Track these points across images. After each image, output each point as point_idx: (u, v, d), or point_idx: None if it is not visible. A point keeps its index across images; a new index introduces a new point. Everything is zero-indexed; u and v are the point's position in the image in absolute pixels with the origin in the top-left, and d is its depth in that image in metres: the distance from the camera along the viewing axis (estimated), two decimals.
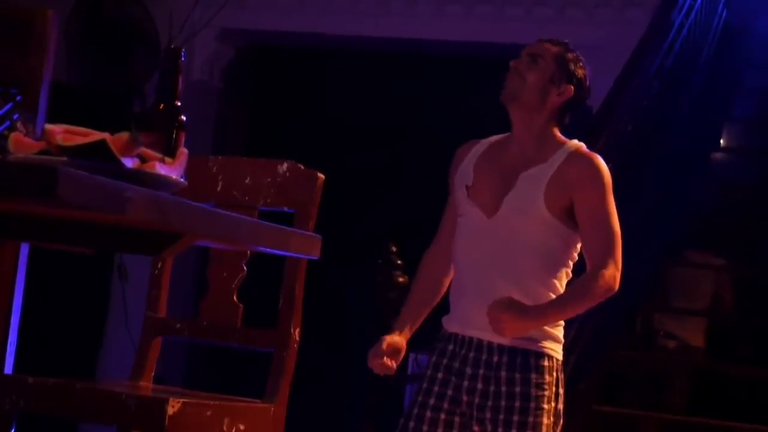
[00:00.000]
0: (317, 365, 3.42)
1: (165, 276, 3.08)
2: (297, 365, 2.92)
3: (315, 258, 2.39)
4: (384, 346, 3.26)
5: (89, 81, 7.19)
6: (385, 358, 3.26)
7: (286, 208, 2.99)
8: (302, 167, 2.99)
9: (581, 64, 3.48)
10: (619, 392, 5.73)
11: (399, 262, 4.89)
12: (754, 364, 5.62)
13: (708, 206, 6.65)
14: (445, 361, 3.26)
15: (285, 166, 3.00)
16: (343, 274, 7.18)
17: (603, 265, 3.24)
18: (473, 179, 3.31)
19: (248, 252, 2.95)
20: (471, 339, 3.24)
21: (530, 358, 3.21)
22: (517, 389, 3.18)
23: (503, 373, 3.19)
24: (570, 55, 3.48)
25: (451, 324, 3.30)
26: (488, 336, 3.20)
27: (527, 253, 3.22)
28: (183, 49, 2.25)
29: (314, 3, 7.92)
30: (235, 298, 2.99)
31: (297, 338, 2.91)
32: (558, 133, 3.34)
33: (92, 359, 7.62)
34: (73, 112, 2.62)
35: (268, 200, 2.99)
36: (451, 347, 3.27)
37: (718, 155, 7.22)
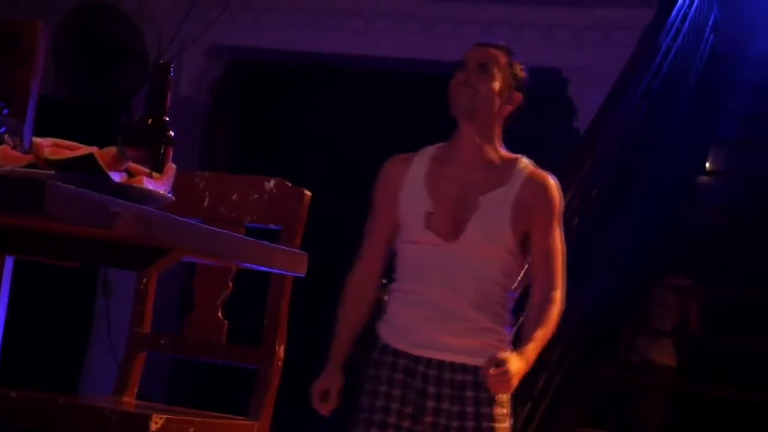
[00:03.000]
0: (302, 383, 3.40)
1: (150, 291, 3.07)
2: (281, 382, 2.91)
3: (301, 275, 2.39)
4: (317, 395, 3.33)
5: (77, 95, 7.18)
6: (323, 403, 3.33)
7: (272, 225, 2.99)
8: (289, 184, 2.99)
9: (523, 68, 3.47)
10: (602, 414, 5.73)
11: (384, 281, 4.88)
12: (734, 385, 5.62)
13: (693, 228, 6.67)
14: (398, 376, 3.24)
15: (272, 182, 3.00)
16: (328, 290, 7.16)
17: (554, 287, 3.28)
18: (432, 205, 3.26)
19: (234, 268, 2.94)
20: (430, 359, 3.23)
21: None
22: (484, 410, 3.19)
23: (468, 393, 3.19)
24: (515, 60, 3.47)
25: (402, 343, 3.26)
26: (451, 356, 3.21)
27: (491, 276, 3.24)
28: (172, 65, 2.25)
29: (302, 21, 7.93)
30: (220, 314, 2.98)
31: (281, 355, 2.90)
32: (503, 147, 3.36)
33: (75, 374, 7.59)
34: (61, 126, 2.62)
35: (255, 216, 2.99)
36: (402, 362, 3.24)
37: (703, 178, 7.24)
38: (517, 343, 3.28)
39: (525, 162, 3.32)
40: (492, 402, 3.20)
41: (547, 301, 3.26)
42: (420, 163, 3.32)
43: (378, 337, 3.34)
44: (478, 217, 3.21)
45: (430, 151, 3.36)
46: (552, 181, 3.31)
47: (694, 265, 6.31)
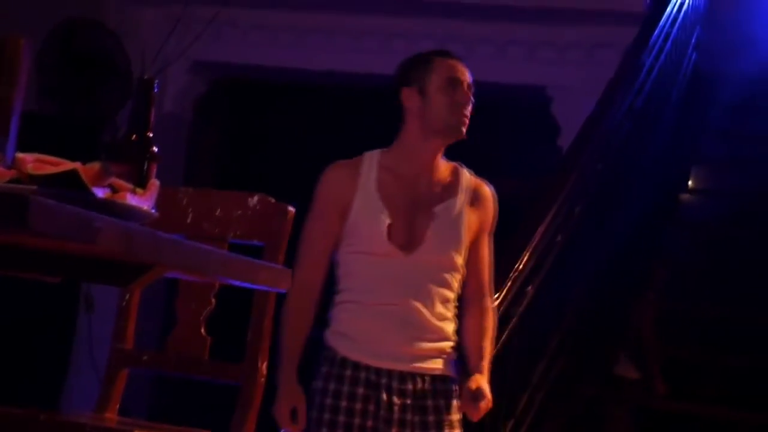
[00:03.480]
0: None
1: (132, 307, 3.06)
2: (264, 399, 2.91)
3: (284, 291, 2.39)
4: (285, 416, 3.27)
5: (61, 110, 7.17)
6: (294, 424, 3.28)
7: (256, 241, 2.99)
8: (273, 200, 2.99)
9: None
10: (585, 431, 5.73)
11: None
12: (717, 403, 5.63)
13: (675, 246, 6.68)
14: (360, 390, 3.23)
15: (255, 198, 3.00)
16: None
17: (490, 294, 3.42)
18: (389, 216, 3.26)
19: (217, 284, 2.94)
20: (391, 370, 3.24)
21: (449, 384, 3.30)
22: (443, 417, 3.25)
23: (429, 402, 3.24)
24: None
25: (363, 356, 3.25)
26: (414, 366, 3.24)
27: (448, 285, 3.31)
28: (156, 81, 2.25)
29: (287, 38, 7.94)
30: (203, 330, 2.97)
31: (264, 372, 2.90)
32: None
33: (57, 390, 7.56)
34: (44, 142, 2.61)
35: (238, 233, 2.99)
36: (363, 375, 3.23)
37: (686, 196, 7.26)
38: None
39: (466, 171, 3.40)
40: (450, 408, 3.27)
41: (486, 310, 3.39)
42: (369, 170, 3.30)
43: (330, 350, 3.31)
44: (435, 227, 3.26)
45: (375, 157, 3.33)
46: (492, 191, 3.42)
47: (674, 282, 6.32)
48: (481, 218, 3.36)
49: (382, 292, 3.24)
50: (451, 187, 3.32)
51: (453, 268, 3.30)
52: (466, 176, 3.37)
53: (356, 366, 3.24)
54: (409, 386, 3.23)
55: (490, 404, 3.26)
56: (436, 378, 3.26)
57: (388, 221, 3.23)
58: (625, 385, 5.83)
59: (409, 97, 3.30)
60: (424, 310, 3.25)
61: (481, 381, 3.25)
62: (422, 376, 3.25)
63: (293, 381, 3.28)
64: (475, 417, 3.29)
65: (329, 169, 3.34)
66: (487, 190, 3.39)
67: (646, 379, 5.75)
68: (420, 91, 3.30)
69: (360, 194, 3.26)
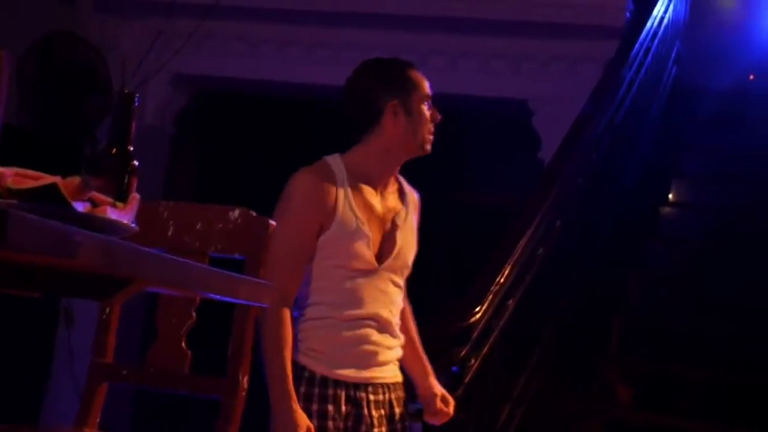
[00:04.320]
0: (266, 413, 3.38)
1: (113, 321, 3.05)
2: (245, 413, 2.90)
3: (265, 306, 2.38)
4: None
5: (42, 123, 7.15)
6: None
7: (237, 255, 2.98)
8: (254, 214, 2.99)
9: None
10: None
11: None
12: (695, 417, 5.64)
13: (655, 260, 6.70)
14: (345, 408, 3.22)
15: (236, 212, 2.99)
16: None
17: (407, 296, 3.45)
18: (367, 228, 3.24)
19: (198, 298, 2.93)
20: (367, 384, 3.23)
21: (403, 390, 3.36)
22: (405, 424, 3.32)
23: (396, 410, 3.26)
24: None
25: (343, 372, 3.22)
26: (386, 377, 3.27)
27: (402, 291, 3.36)
28: (137, 94, 2.24)
29: (268, 51, 7.94)
30: (183, 344, 2.96)
31: (245, 386, 2.89)
32: None
33: (37, 404, 7.52)
34: (24, 155, 2.60)
35: (219, 246, 2.98)
36: (344, 392, 3.21)
37: (666, 210, 7.28)
38: None
39: (402, 179, 3.41)
40: (406, 415, 3.32)
41: (410, 311, 3.46)
42: (344, 180, 3.23)
43: (305, 369, 3.25)
44: (400, 237, 3.26)
45: (341, 165, 3.26)
46: (419, 196, 3.46)
47: (652, 295, 6.34)
48: (416, 223, 3.41)
49: (360, 305, 3.22)
50: (400, 197, 3.34)
51: (406, 273, 3.36)
52: (406, 185, 3.40)
53: (336, 383, 3.21)
54: (381, 397, 3.24)
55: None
56: (397, 385, 3.30)
57: (369, 234, 3.22)
58: (600, 398, 5.84)
59: (392, 113, 3.24)
60: (392, 319, 3.28)
61: (439, 386, 3.35)
62: (389, 385, 3.27)
63: (293, 398, 3.15)
64: (441, 422, 3.34)
65: (308, 176, 3.23)
66: (417, 196, 3.43)
67: (608, 389, 5.76)
68: (403, 107, 3.25)
69: (341, 205, 3.21)
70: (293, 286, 3.21)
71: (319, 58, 7.83)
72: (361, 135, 3.26)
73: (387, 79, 3.25)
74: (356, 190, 3.22)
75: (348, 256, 3.21)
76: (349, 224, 3.20)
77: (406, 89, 3.25)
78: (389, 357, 3.27)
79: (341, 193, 3.20)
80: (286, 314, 3.17)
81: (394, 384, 3.29)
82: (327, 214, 3.19)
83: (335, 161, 3.26)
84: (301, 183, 3.23)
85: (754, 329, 5.94)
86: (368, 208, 3.22)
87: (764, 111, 7.90)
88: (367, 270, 3.21)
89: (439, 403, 3.34)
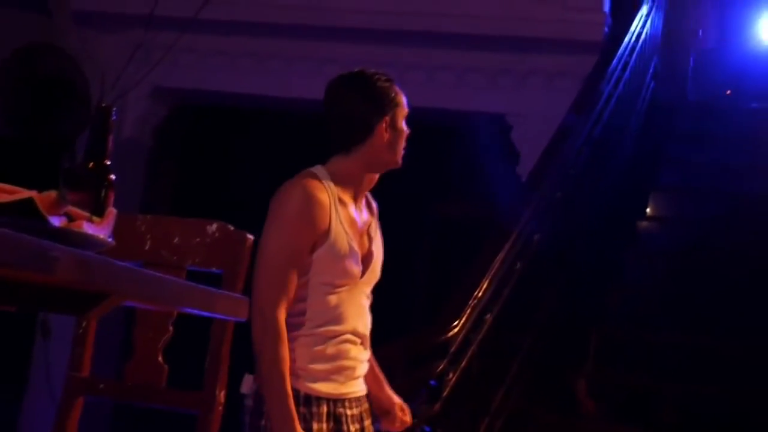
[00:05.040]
0: (242, 428, 3.36)
1: (89, 335, 3.04)
2: (221, 428, 2.89)
3: (242, 320, 2.38)
4: None
5: (19, 135, 7.13)
6: None
7: (214, 269, 2.97)
8: (231, 228, 2.98)
9: None
10: None
11: None
12: (673, 431, 5.66)
13: (632, 273, 6.72)
14: (328, 425, 3.20)
15: (214, 226, 2.99)
16: None
17: None
18: (355, 242, 3.22)
19: (175, 312, 2.92)
20: (350, 398, 3.23)
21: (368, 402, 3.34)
22: None
23: (366, 422, 3.27)
24: None
25: (326, 387, 3.17)
26: (361, 390, 3.28)
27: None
28: (114, 108, 2.24)
29: (247, 64, 7.95)
30: (160, 358, 2.96)
31: (222, 400, 2.88)
32: None
33: (14, 417, 7.49)
34: (2, 167, 2.60)
35: (197, 260, 2.97)
36: (326, 408, 3.17)
37: (644, 223, 7.30)
38: None
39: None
40: (371, 426, 3.30)
41: None
42: (333, 196, 3.18)
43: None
44: (375, 249, 3.27)
45: (327, 179, 3.19)
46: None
47: (631, 308, 6.35)
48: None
49: (341, 321, 3.20)
50: (368, 208, 3.33)
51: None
52: (368, 194, 3.40)
53: (318, 400, 3.17)
54: (355, 411, 3.24)
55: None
56: (365, 398, 3.30)
57: (358, 252, 3.21)
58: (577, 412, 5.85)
59: (383, 129, 3.22)
60: (367, 332, 3.28)
61: (395, 395, 3.38)
62: (360, 398, 3.27)
63: (297, 422, 3.04)
64: (400, 430, 3.36)
65: (303, 191, 3.13)
66: (376, 205, 3.42)
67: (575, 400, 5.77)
68: (391, 123, 3.25)
69: (334, 224, 3.16)
70: (288, 300, 3.10)
71: (298, 71, 7.84)
72: (347, 148, 3.22)
73: (378, 96, 3.22)
74: (342, 204, 3.20)
75: (338, 275, 3.17)
76: (341, 243, 3.15)
77: (392, 106, 3.24)
78: (363, 371, 3.27)
79: (333, 210, 3.16)
80: (283, 329, 3.07)
81: (364, 396, 3.29)
82: (321, 233, 3.12)
83: (323, 175, 3.20)
84: (297, 197, 3.13)
85: (732, 342, 5.96)
86: (353, 222, 3.22)
87: (741, 125, 7.94)
88: (349, 285, 3.20)
89: (398, 412, 3.36)
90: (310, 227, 3.10)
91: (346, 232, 3.17)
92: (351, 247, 3.17)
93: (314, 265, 3.13)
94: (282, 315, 3.06)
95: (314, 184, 3.14)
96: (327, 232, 3.13)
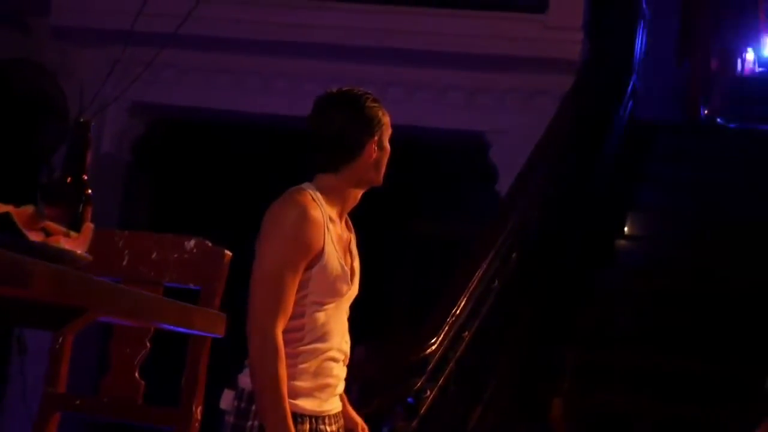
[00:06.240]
0: None
1: (66, 350, 3.03)
2: None
3: (219, 336, 2.38)
4: None
5: None
6: None
7: (192, 285, 2.97)
8: (209, 244, 2.98)
9: None
10: None
11: None
12: None
13: (610, 291, 6.73)
14: None
15: (192, 242, 2.98)
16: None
17: None
18: (344, 260, 3.23)
19: (152, 328, 2.92)
20: (329, 415, 3.23)
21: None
22: None
23: None
24: None
25: (309, 404, 3.16)
26: (338, 406, 3.28)
27: None
28: (92, 123, 2.24)
29: (226, 80, 7.95)
30: (137, 374, 2.95)
31: (198, 417, 2.87)
32: None
33: None
34: None
35: (175, 276, 2.97)
36: (306, 426, 3.14)
37: (621, 242, 7.32)
38: None
39: None
40: None
41: None
42: (325, 216, 3.17)
43: None
44: (357, 266, 3.27)
45: (316, 194, 3.19)
46: None
47: (607, 327, 6.36)
48: None
49: (327, 338, 3.19)
50: (347, 223, 3.34)
51: None
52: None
53: (302, 417, 3.16)
54: (333, 427, 3.24)
55: None
56: (340, 414, 3.30)
57: (348, 271, 3.22)
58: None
59: (372, 149, 3.23)
60: (348, 349, 3.28)
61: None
62: (337, 414, 3.27)
63: None
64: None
65: (300, 211, 3.11)
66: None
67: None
68: (379, 143, 3.26)
69: (327, 245, 3.15)
70: (285, 318, 3.08)
71: (277, 88, 7.84)
72: (336, 166, 3.22)
73: (368, 116, 3.23)
74: (332, 222, 3.21)
75: (328, 293, 3.18)
76: (333, 264, 3.16)
77: (380, 126, 3.26)
78: (342, 388, 3.28)
79: (326, 229, 3.15)
80: (282, 347, 3.05)
81: (340, 413, 3.30)
82: (316, 253, 3.12)
83: (315, 192, 3.19)
84: (293, 215, 3.11)
85: (709, 360, 5.98)
86: (340, 240, 3.23)
87: (718, 144, 7.99)
88: (336, 303, 3.21)
89: (360, 431, 3.38)
90: (307, 245, 3.09)
91: (337, 252, 3.18)
92: (342, 267, 3.18)
93: (306, 284, 3.13)
94: (280, 333, 3.05)
95: (309, 202, 3.13)
96: (321, 251, 3.13)
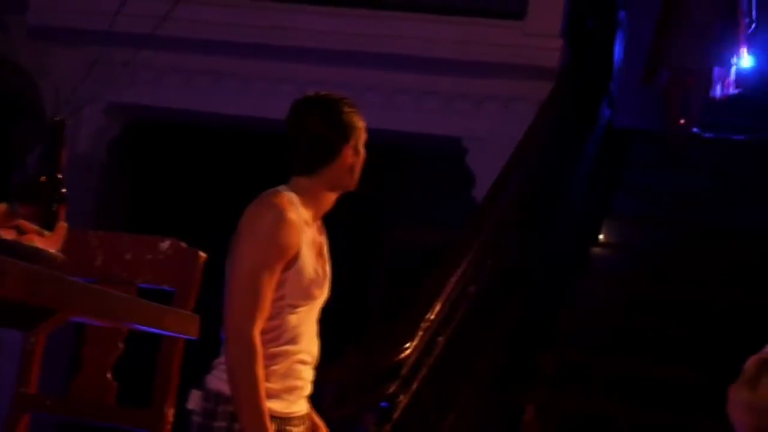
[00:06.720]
0: None
1: (38, 350, 3.01)
2: None
3: (192, 338, 2.37)
4: None
5: None
6: None
7: (166, 286, 2.96)
8: (184, 245, 2.97)
9: None
10: None
11: None
12: None
13: (585, 298, 6.74)
14: None
15: (166, 243, 2.97)
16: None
17: None
18: (319, 263, 3.25)
19: (125, 329, 2.90)
20: (296, 417, 3.23)
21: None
22: None
23: None
24: None
25: (278, 405, 3.17)
26: (305, 409, 3.28)
27: None
28: (67, 122, 2.23)
29: (203, 82, 7.93)
30: (109, 375, 2.93)
31: (170, 419, 2.86)
32: None
33: None
34: None
35: (148, 277, 2.96)
36: (275, 427, 3.13)
37: (597, 249, 7.34)
38: None
39: None
40: None
41: None
42: (299, 214, 3.19)
43: None
44: (329, 270, 3.28)
45: (292, 197, 3.20)
46: None
47: (583, 334, 6.38)
48: None
49: (298, 341, 3.21)
50: (320, 227, 3.34)
51: None
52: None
53: (271, 418, 3.16)
54: (301, 428, 3.24)
55: None
56: (307, 416, 3.30)
57: (322, 274, 3.24)
58: None
59: (347, 153, 3.25)
60: (317, 353, 3.29)
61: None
62: (304, 416, 3.27)
63: None
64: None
65: (280, 213, 3.12)
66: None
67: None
68: (354, 148, 3.28)
69: (303, 248, 3.17)
70: (262, 319, 3.09)
71: (255, 90, 7.83)
72: (311, 170, 3.24)
73: (345, 121, 3.26)
74: (307, 225, 3.23)
75: (302, 297, 3.20)
76: (308, 268, 3.18)
77: (355, 132, 3.28)
78: (309, 391, 3.29)
79: (302, 234, 3.17)
80: (260, 349, 3.06)
81: (306, 415, 3.30)
82: (292, 256, 3.14)
83: (291, 195, 3.20)
84: (270, 217, 3.12)
85: (685, 366, 6.00)
86: (315, 244, 3.24)
87: (695, 153, 8.02)
88: (309, 306, 3.22)
89: None
90: (284, 247, 3.11)
91: (312, 256, 3.20)
92: (316, 271, 3.21)
93: (282, 286, 3.14)
94: (258, 335, 3.06)
95: (286, 205, 3.15)
96: (297, 254, 3.14)
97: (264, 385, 3.04)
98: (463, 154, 7.60)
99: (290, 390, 3.19)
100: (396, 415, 4.55)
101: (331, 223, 3.39)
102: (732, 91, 8.32)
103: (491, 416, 5.78)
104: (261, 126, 7.94)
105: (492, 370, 5.83)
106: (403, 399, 4.61)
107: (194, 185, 8.63)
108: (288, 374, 3.18)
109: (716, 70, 8.21)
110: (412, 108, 7.62)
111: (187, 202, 8.51)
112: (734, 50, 8.23)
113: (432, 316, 4.82)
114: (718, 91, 8.25)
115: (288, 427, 3.19)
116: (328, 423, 3.43)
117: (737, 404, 2.54)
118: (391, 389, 4.55)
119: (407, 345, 4.60)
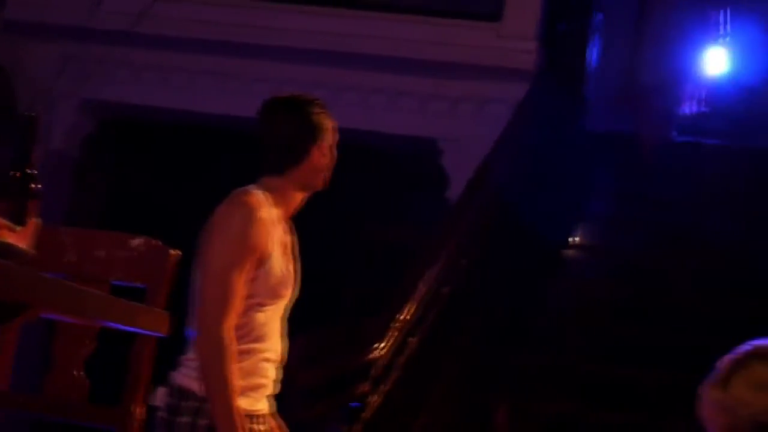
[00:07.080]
0: None
1: (8, 347, 3.00)
2: None
3: (163, 335, 2.37)
4: None
5: None
6: None
7: (138, 283, 2.95)
8: (156, 242, 2.97)
9: None
10: None
11: None
12: None
13: (557, 300, 6.76)
14: None
15: (138, 240, 2.97)
16: None
17: None
18: (286, 262, 3.25)
19: (97, 326, 2.89)
20: (259, 415, 3.23)
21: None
22: None
23: None
24: None
25: (254, 404, 3.19)
26: (268, 407, 3.27)
27: None
28: (39, 117, 2.22)
29: (178, 80, 7.91)
30: (80, 372, 2.92)
31: (139, 417, 2.85)
32: None
33: None
34: None
35: (121, 274, 2.95)
36: (249, 424, 3.16)
37: (570, 252, 7.35)
38: None
39: None
40: None
41: None
42: (270, 213, 3.20)
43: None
44: (296, 268, 3.29)
45: (262, 196, 3.21)
46: None
47: (555, 336, 6.39)
48: None
49: (264, 339, 3.22)
50: (289, 227, 3.35)
51: None
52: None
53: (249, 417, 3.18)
54: (264, 427, 3.24)
55: None
56: (269, 415, 3.29)
57: (291, 274, 3.25)
58: None
59: (317, 153, 3.27)
60: (282, 351, 3.29)
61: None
62: (267, 415, 3.28)
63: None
64: None
65: (252, 208, 3.14)
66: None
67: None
68: (323, 149, 3.29)
69: (273, 248, 3.18)
70: (233, 317, 3.09)
71: (231, 89, 7.82)
72: (281, 169, 3.25)
73: (315, 122, 3.27)
74: (277, 226, 3.24)
75: (270, 296, 3.21)
76: (277, 268, 3.19)
77: (324, 131, 3.29)
78: (274, 389, 3.29)
79: (272, 234, 3.18)
80: (230, 346, 3.06)
81: (269, 415, 3.30)
82: (262, 255, 3.15)
83: (261, 194, 3.21)
84: (241, 216, 3.14)
85: (656, 369, 6.02)
86: (283, 244, 3.26)
87: (669, 158, 8.05)
88: (276, 304, 3.23)
89: None
90: (253, 246, 3.12)
91: (282, 256, 3.21)
92: (287, 271, 3.23)
93: (251, 284, 3.16)
94: (228, 332, 3.07)
95: (256, 204, 3.17)
96: (266, 254, 3.16)
97: (235, 381, 3.05)
98: (438, 154, 7.61)
99: (255, 388, 3.20)
100: (367, 414, 4.56)
101: (305, 221, 3.39)
102: (702, 108, 8.40)
103: (463, 417, 5.78)
104: (236, 124, 7.91)
105: (464, 370, 5.83)
106: (374, 399, 4.61)
107: (169, 183, 8.61)
108: (253, 372, 3.19)
109: (687, 87, 8.27)
110: (387, 108, 7.63)
111: (161, 200, 8.48)
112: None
113: (403, 317, 4.82)
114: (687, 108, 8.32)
115: (252, 425, 3.19)
116: (299, 423, 3.43)
117: (709, 404, 2.57)
118: (362, 389, 4.55)
119: (377, 345, 4.61)
